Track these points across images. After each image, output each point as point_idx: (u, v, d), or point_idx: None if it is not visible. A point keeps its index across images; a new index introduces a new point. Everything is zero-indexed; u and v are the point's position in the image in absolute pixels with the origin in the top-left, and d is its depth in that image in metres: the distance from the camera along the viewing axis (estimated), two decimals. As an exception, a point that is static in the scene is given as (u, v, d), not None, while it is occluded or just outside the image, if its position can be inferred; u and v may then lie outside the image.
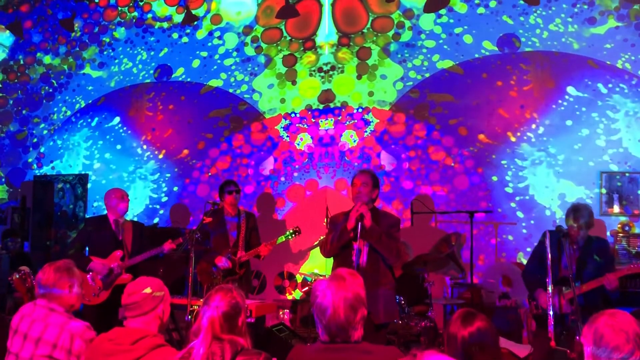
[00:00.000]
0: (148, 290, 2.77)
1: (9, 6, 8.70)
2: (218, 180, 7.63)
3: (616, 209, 6.30)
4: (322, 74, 7.41)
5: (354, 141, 7.26)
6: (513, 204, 6.67)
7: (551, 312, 4.21)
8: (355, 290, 2.40)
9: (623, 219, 6.22)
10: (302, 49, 7.49)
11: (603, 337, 2.18)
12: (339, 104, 7.35)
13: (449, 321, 2.49)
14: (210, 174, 7.73)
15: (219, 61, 7.78)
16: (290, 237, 5.51)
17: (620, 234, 6.09)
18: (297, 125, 7.46)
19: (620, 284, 5.61)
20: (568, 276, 4.23)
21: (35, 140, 8.47)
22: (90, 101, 8.30)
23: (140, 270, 5.05)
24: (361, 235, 4.33)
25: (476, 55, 6.93)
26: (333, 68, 7.39)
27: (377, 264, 4.45)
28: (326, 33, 7.44)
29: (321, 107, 7.40)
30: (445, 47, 7.04)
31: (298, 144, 7.44)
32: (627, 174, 6.30)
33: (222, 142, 7.71)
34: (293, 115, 7.48)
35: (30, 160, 8.44)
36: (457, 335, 2.39)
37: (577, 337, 4.18)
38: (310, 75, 7.46)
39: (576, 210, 4.57)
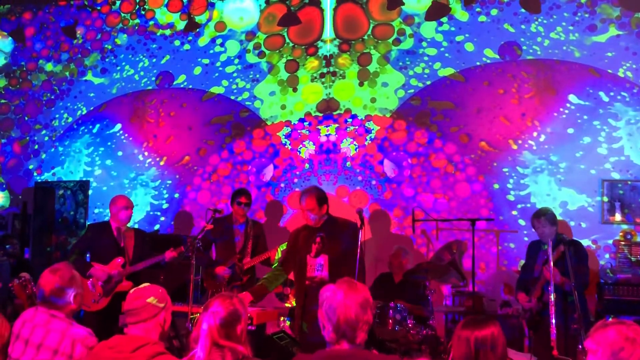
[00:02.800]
0: (151, 298, 2.76)
1: (11, 14, 8.73)
2: (219, 187, 7.65)
3: (618, 217, 6.29)
4: (324, 79, 7.41)
5: (356, 148, 7.25)
6: (514, 212, 6.66)
7: (554, 321, 4.22)
8: (365, 294, 2.45)
9: (625, 227, 6.21)
10: (304, 55, 7.51)
11: (623, 350, 2.17)
12: (341, 111, 7.35)
13: (460, 323, 2.49)
14: (211, 180, 7.72)
15: (220, 68, 7.80)
16: None
17: (622, 243, 6.08)
18: (299, 132, 7.46)
19: (618, 292, 5.70)
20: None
21: (36, 146, 8.47)
22: (91, 108, 8.30)
23: (141, 278, 5.04)
24: (322, 251, 4.44)
25: (477, 63, 6.94)
26: (334, 74, 7.40)
27: (340, 277, 4.50)
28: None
29: (321, 114, 7.40)
30: (446, 54, 7.05)
31: (299, 151, 7.43)
32: (629, 182, 6.30)
33: (223, 149, 7.71)
34: (295, 122, 7.48)
35: (31, 166, 8.45)
36: (470, 336, 2.39)
37: (580, 347, 4.19)
38: (312, 81, 7.47)
39: (539, 215, 4.89)
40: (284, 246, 5.47)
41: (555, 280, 4.46)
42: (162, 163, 7.93)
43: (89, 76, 8.33)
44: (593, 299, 5.78)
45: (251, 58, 7.68)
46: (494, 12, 6.88)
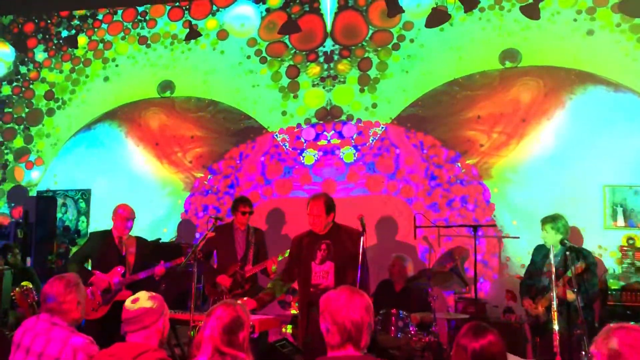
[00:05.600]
0: (148, 304, 2.76)
1: (13, 24, 8.77)
2: (221, 194, 7.65)
3: (620, 222, 6.28)
4: (324, 83, 7.43)
5: (356, 154, 7.26)
6: (516, 218, 6.64)
7: (556, 327, 4.20)
8: (367, 299, 2.46)
9: (627, 232, 6.20)
10: (305, 61, 7.53)
11: (621, 356, 2.15)
12: (341, 117, 7.36)
13: (460, 332, 2.48)
14: (214, 188, 7.72)
15: (222, 75, 7.81)
16: None
17: (626, 248, 6.06)
18: (300, 137, 7.46)
19: (622, 298, 5.68)
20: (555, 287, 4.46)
21: (38, 155, 8.49)
22: (93, 117, 8.32)
23: (141, 287, 5.04)
24: (328, 258, 4.41)
25: (477, 70, 6.95)
26: (335, 77, 7.41)
27: (345, 284, 4.48)
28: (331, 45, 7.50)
29: (322, 121, 7.41)
30: (446, 61, 7.05)
31: (301, 157, 7.44)
32: (631, 187, 6.29)
33: (226, 156, 7.72)
34: (297, 128, 7.49)
35: (33, 176, 8.46)
36: (467, 346, 2.38)
37: (582, 352, 4.16)
38: (314, 86, 7.48)
39: (554, 220, 4.81)
40: (287, 253, 5.44)
41: (571, 299, 4.48)
42: (164, 171, 7.94)
43: (91, 85, 8.36)
44: (597, 305, 5.75)
45: (253, 64, 7.70)
46: (494, 18, 6.90)
